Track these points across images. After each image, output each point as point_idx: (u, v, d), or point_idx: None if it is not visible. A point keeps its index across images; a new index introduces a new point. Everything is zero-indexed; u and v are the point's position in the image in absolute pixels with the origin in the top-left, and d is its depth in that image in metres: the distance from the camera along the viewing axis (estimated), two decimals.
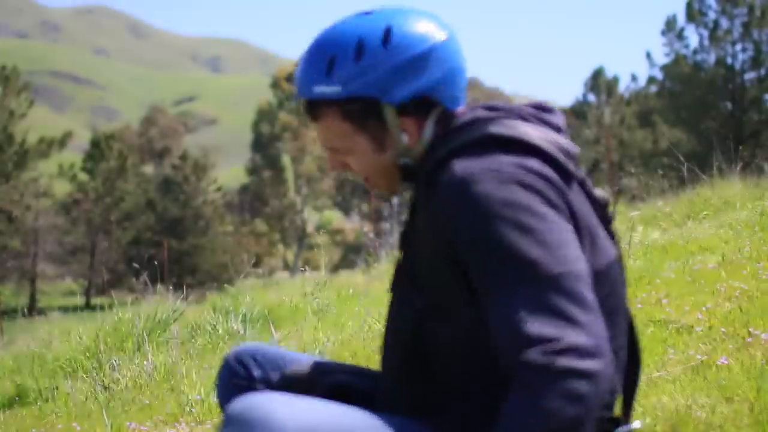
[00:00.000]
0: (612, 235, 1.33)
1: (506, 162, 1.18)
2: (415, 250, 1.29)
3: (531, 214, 1.13)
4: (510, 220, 1.13)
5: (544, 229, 1.13)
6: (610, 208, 1.34)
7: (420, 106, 1.30)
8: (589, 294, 1.11)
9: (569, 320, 1.06)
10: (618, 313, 1.28)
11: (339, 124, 1.31)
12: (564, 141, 1.28)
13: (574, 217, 1.21)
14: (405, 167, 1.33)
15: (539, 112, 1.32)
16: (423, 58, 1.27)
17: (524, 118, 1.28)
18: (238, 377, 1.52)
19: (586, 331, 1.06)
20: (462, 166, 1.19)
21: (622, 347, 1.30)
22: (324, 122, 1.32)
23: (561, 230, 1.15)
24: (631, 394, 1.35)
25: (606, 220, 1.32)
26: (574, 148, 1.30)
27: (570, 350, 1.04)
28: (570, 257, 1.12)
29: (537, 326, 1.06)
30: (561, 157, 1.24)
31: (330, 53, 1.28)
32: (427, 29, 1.29)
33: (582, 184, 1.28)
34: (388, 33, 1.27)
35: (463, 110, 1.33)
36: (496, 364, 1.15)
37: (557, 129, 1.31)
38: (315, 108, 1.32)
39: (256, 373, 1.52)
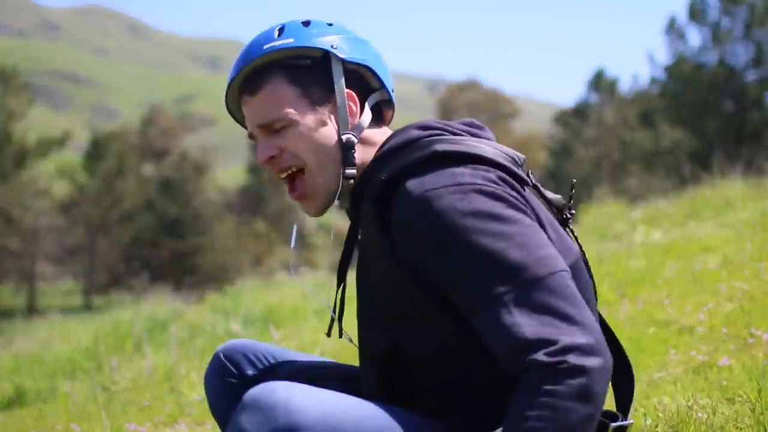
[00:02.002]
0: (572, 234, 1.33)
1: (461, 174, 1.17)
2: (371, 269, 1.26)
3: (500, 220, 1.12)
4: (481, 230, 1.11)
5: (518, 232, 1.12)
6: (567, 210, 1.34)
7: (362, 81, 1.31)
8: (576, 290, 1.10)
9: (566, 319, 1.06)
10: (592, 307, 1.28)
11: (284, 88, 1.28)
12: (508, 149, 1.28)
13: (536, 216, 1.21)
14: (347, 150, 1.28)
15: (471, 129, 1.31)
16: (362, 41, 1.33)
17: (459, 135, 1.27)
18: (229, 375, 1.48)
19: (584, 328, 1.06)
20: (417, 183, 1.17)
21: None
22: (266, 90, 1.29)
23: (534, 231, 1.14)
24: (627, 390, 1.34)
25: (563, 222, 1.32)
26: (520, 156, 1.30)
27: (573, 349, 1.03)
28: (550, 256, 1.12)
29: (536, 329, 1.05)
30: (509, 164, 1.24)
31: (278, 27, 1.31)
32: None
33: (536, 188, 1.29)
34: (330, 23, 1.33)
35: (391, 131, 1.33)
36: (480, 365, 1.16)
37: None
38: (259, 75, 1.29)
39: (249, 371, 1.49)
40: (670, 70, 26.34)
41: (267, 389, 1.09)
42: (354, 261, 1.37)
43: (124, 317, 5.22)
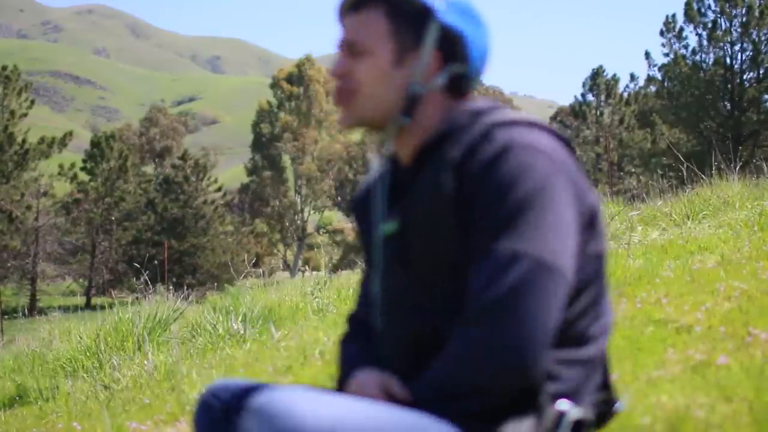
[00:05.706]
0: None
1: (540, 139, 1.23)
2: (424, 228, 1.28)
3: (555, 199, 1.18)
4: (536, 196, 1.17)
5: (555, 223, 1.18)
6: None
7: (453, 47, 1.32)
8: (557, 305, 1.16)
9: (535, 319, 1.13)
10: (609, 293, 1.33)
11: (379, 20, 1.32)
12: (562, 134, 1.33)
13: (587, 203, 1.25)
14: (411, 100, 1.32)
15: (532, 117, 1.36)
16: (471, 15, 1.33)
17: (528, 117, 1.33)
18: (214, 411, 1.42)
19: (536, 332, 1.13)
20: (506, 133, 1.22)
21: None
22: (365, 14, 1.33)
23: (568, 231, 1.19)
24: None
25: None
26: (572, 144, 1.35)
27: (515, 346, 1.11)
28: (566, 254, 1.18)
29: (498, 297, 1.13)
30: (572, 148, 1.30)
31: None
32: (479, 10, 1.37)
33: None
34: None
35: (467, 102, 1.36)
36: None
37: None
38: None
39: (232, 402, 1.41)
40: (667, 70, 26.35)
41: (270, 395, 1.10)
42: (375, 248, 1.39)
43: (125, 316, 5.22)
